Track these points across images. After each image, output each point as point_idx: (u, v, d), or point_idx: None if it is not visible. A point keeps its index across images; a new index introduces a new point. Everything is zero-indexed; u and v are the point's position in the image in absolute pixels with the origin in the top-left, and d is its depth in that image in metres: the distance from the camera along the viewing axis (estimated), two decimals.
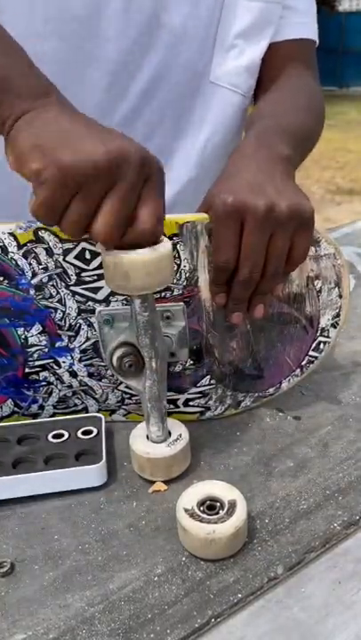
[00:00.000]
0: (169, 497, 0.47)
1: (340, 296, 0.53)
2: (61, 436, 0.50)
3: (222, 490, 0.43)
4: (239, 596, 0.38)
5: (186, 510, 0.42)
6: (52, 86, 0.43)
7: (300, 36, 0.74)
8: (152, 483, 0.48)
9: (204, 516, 0.41)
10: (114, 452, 0.52)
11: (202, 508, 0.42)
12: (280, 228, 0.45)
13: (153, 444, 0.48)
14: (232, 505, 0.42)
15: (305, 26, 0.74)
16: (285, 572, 0.40)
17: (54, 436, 0.50)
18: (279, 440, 0.53)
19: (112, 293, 0.49)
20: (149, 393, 0.46)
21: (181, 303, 0.50)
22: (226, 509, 0.41)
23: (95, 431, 0.51)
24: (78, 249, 0.48)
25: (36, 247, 0.48)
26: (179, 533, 0.42)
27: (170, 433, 0.49)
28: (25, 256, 0.48)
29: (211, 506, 0.42)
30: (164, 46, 0.65)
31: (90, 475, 0.47)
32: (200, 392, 0.55)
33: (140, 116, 0.67)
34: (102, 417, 0.53)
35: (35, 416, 0.55)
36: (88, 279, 0.49)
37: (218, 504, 0.42)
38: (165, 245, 0.41)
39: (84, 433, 0.51)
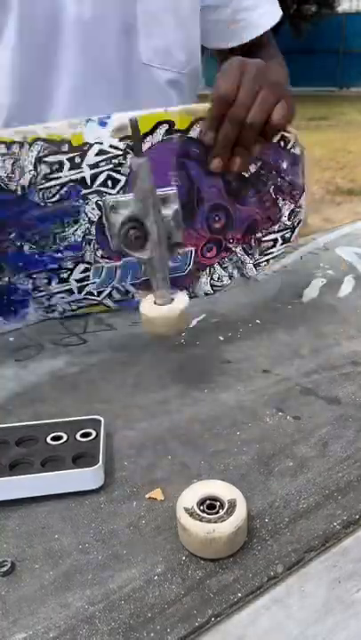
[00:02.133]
0: (169, 497, 0.47)
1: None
2: (60, 438, 0.51)
3: (222, 489, 0.43)
4: (239, 595, 0.38)
5: (186, 509, 0.42)
6: None
7: (265, 28, 0.80)
8: (163, 450, 0.48)
9: (204, 515, 0.41)
10: (113, 452, 0.52)
11: (202, 508, 0.42)
12: (267, 87, 0.54)
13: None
14: (232, 504, 0.42)
15: (269, 14, 0.80)
16: (285, 572, 0.40)
17: (53, 439, 0.50)
18: (279, 440, 0.53)
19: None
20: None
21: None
22: (226, 509, 0.41)
23: (94, 434, 0.51)
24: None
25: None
26: (179, 533, 0.42)
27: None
28: None
29: (211, 505, 0.42)
30: (79, 40, 0.65)
31: (86, 477, 0.47)
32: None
33: (76, 113, 0.65)
34: (102, 419, 0.53)
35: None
36: None
37: (218, 503, 0.42)
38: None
39: (83, 435, 0.51)
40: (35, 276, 0.58)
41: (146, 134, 0.55)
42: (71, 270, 0.59)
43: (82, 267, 0.59)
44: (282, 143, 0.57)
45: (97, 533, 0.43)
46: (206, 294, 0.63)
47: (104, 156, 0.54)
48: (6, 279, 0.58)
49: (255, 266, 0.63)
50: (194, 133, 0.55)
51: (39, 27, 0.64)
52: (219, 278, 0.62)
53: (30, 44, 0.64)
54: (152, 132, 0.55)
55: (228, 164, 0.55)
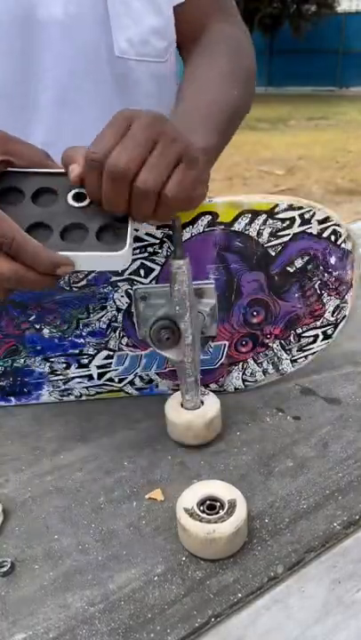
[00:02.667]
0: (169, 497, 0.47)
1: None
2: (83, 197, 0.44)
3: (222, 489, 0.43)
4: (239, 595, 0.38)
5: (186, 510, 0.42)
6: None
7: None
8: (163, 450, 0.48)
9: (204, 515, 0.41)
10: (113, 452, 0.52)
11: (202, 508, 0.42)
12: (163, 143, 0.42)
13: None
14: (232, 505, 0.42)
15: None
16: (285, 572, 0.40)
17: (75, 197, 0.44)
18: (279, 440, 0.53)
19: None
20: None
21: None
22: (226, 509, 0.41)
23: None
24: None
25: None
26: (179, 533, 0.42)
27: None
28: None
29: (211, 505, 0.42)
30: (56, 41, 0.60)
31: (110, 261, 0.42)
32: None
33: (61, 121, 0.63)
34: None
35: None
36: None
37: (218, 504, 0.42)
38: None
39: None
40: (53, 360, 0.56)
41: (186, 224, 0.51)
42: (93, 356, 0.56)
43: (104, 353, 0.56)
44: (333, 237, 0.54)
45: (97, 534, 0.43)
46: (237, 389, 0.60)
47: (139, 244, 0.51)
48: (22, 361, 0.55)
49: (292, 362, 0.59)
50: (238, 226, 0.51)
51: (10, 30, 0.59)
52: (252, 374, 0.59)
53: (3, 51, 0.59)
54: (193, 222, 0.51)
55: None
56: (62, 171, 0.44)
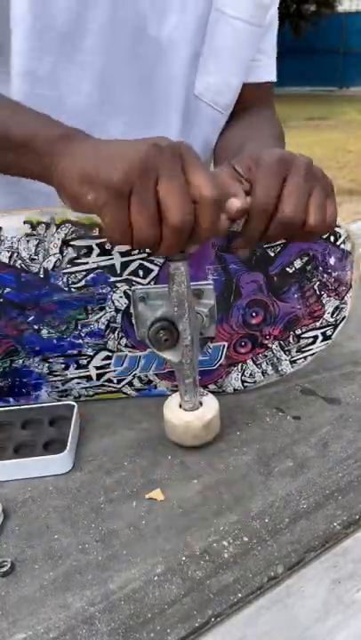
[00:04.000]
0: (169, 497, 0.47)
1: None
2: (33, 424, 0.53)
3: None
4: (239, 595, 0.38)
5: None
6: (74, 129, 0.47)
7: (267, 79, 0.78)
8: (168, 455, 0.49)
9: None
10: (113, 451, 0.52)
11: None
12: (318, 185, 0.46)
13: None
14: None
15: (271, 68, 0.78)
16: (285, 572, 0.40)
17: (25, 425, 0.53)
18: (279, 440, 0.53)
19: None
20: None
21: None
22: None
23: (66, 419, 0.53)
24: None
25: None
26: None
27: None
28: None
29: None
30: (149, 58, 0.64)
31: (55, 463, 0.49)
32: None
33: (134, 129, 0.66)
34: (75, 405, 0.54)
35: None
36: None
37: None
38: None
39: (55, 421, 0.53)
40: (51, 361, 0.56)
41: None
42: (91, 357, 0.56)
43: (103, 354, 0.56)
44: (332, 238, 0.54)
45: (97, 534, 0.43)
46: (236, 390, 0.60)
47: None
48: (20, 362, 0.56)
49: (292, 362, 0.59)
50: (237, 227, 0.50)
51: (121, 43, 0.63)
52: (251, 374, 0.59)
53: (111, 61, 0.63)
54: None
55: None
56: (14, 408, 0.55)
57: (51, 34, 0.60)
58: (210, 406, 0.52)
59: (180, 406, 0.52)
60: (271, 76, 0.78)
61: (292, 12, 12.62)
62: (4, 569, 0.40)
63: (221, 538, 0.42)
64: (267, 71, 0.77)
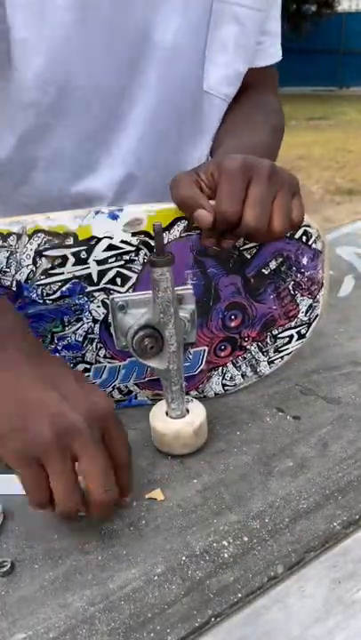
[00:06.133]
0: (169, 497, 0.47)
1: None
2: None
3: None
4: (239, 595, 0.38)
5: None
6: (15, 329, 0.44)
7: (272, 62, 0.76)
8: (168, 455, 0.49)
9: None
10: None
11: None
12: (282, 187, 0.47)
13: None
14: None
15: (275, 49, 0.76)
16: (285, 572, 0.40)
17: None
18: (279, 440, 0.53)
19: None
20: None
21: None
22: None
23: None
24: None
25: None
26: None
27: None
28: None
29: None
30: (157, 64, 0.63)
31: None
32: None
33: (144, 139, 0.66)
34: None
35: None
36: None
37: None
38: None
39: None
40: None
41: (163, 230, 0.49)
42: None
43: (81, 367, 0.54)
44: (304, 238, 0.54)
45: (97, 534, 0.43)
46: (217, 394, 0.59)
47: (114, 252, 0.49)
48: None
49: (269, 363, 0.59)
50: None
51: (125, 43, 0.61)
52: (231, 378, 0.58)
53: (115, 61, 0.61)
54: (169, 228, 0.50)
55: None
56: None
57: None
58: (197, 412, 0.52)
59: (167, 414, 0.51)
60: (274, 57, 0.76)
61: (292, 12, 12.61)
62: (4, 569, 0.40)
63: (221, 538, 0.42)
64: (269, 53, 0.75)
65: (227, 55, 0.68)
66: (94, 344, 0.53)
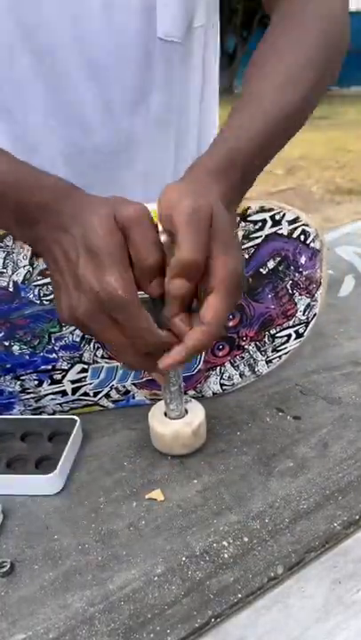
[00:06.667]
0: (169, 497, 0.47)
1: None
2: (32, 437, 0.52)
3: None
4: (239, 595, 0.38)
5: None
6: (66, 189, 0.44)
7: None
8: (168, 455, 0.49)
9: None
10: (113, 452, 0.52)
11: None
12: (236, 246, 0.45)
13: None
14: None
15: None
16: (285, 572, 0.40)
17: (25, 436, 0.51)
18: (279, 440, 0.53)
19: None
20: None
21: None
22: None
23: (66, 435, 0.51)
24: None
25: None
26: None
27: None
28: None
29: None
30: (96, 13, 0.59)
31: (43, 483, 0.47)
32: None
33: (87, 95, 0.62)
34: (77, 420, 0.53)
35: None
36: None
37: None
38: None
39: (54, 436, 0.51)
40: (24, 378, 0.53)
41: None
42: (66, 371, 0.54)
43: (79, 367, 0.53)
44: (302, 237, 0.54)
45: (97, 534, 0.43)
46: (215, 394, 0.59)
47: None
48: None
49: (267, 362, 0.59)
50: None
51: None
52: (229, 377, 0.58)
53: (42, 13, 0.57)
54: None
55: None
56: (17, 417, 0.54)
57: None
58: (196, 412, 0.52)
59: (166, 415, 0.51)
60: None
61: None
62: (4, 569, 0.40)
63: (221, 538, 0.42)
64: None
65: None
66: (92, 344, 0.53)
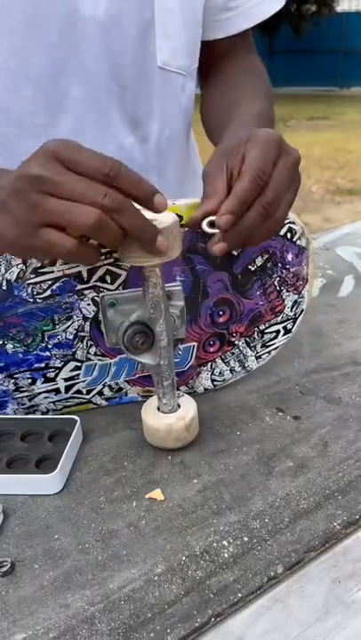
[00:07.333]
0: (169, 497, 0.47)
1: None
2: (33, 436, 0.52)
3: None
4: (239, 595, 0.38)
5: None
6: None
7: (245, 27, 0.73)
8: (163, 450, 0.49)
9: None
10: (113, 452, 0.52)
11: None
12: (298, 180, 0.48)
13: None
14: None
15: (251, 11, 0.72)
16: (285, 572, 0.40)
17: (25, 436, 0.52)
18: (279, 440, 0.53)
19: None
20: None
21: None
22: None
23: (67, 435, 0.51)
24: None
25: None
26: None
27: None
28: None
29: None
30: (95, 42, 0.60)
31: (43, 483, 0.47)
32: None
33: (84, 119, 0.63)
34: (77, 420, 0.53)
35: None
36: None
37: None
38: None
39: (54, 436, 0.51)
40: (17, 376, 0.53)
41: None
42: (59, 369, 0.54)
43: (72, 365, 0.54)
44: (288, 235, 0.55)
45: (97, 534, 0.43)
46: (206, 390, 0.60)
47: (104, 250, 0.49)
48: None
49: (257, 358, 0.60)
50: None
51: (53, 23, 0.58)
52: (220, 373, 0.59)
53: (45, 42, 0.58)
54: None
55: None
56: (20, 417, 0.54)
57: None
58: (188, 407, 0.52)
59: (159, 409, 0.52)
60: (250, 20, 0.72)
61: (292, 13, 12.61)
62: (4, 569, 0.40)
63: (221, 538, 0.42)
64: (244, 18, 0.72)
65: (177, 24, 0.64)
66: (85, 342, 0.53)
